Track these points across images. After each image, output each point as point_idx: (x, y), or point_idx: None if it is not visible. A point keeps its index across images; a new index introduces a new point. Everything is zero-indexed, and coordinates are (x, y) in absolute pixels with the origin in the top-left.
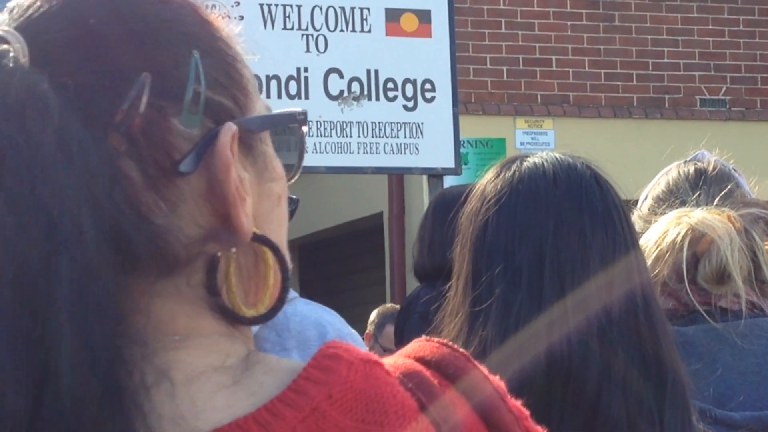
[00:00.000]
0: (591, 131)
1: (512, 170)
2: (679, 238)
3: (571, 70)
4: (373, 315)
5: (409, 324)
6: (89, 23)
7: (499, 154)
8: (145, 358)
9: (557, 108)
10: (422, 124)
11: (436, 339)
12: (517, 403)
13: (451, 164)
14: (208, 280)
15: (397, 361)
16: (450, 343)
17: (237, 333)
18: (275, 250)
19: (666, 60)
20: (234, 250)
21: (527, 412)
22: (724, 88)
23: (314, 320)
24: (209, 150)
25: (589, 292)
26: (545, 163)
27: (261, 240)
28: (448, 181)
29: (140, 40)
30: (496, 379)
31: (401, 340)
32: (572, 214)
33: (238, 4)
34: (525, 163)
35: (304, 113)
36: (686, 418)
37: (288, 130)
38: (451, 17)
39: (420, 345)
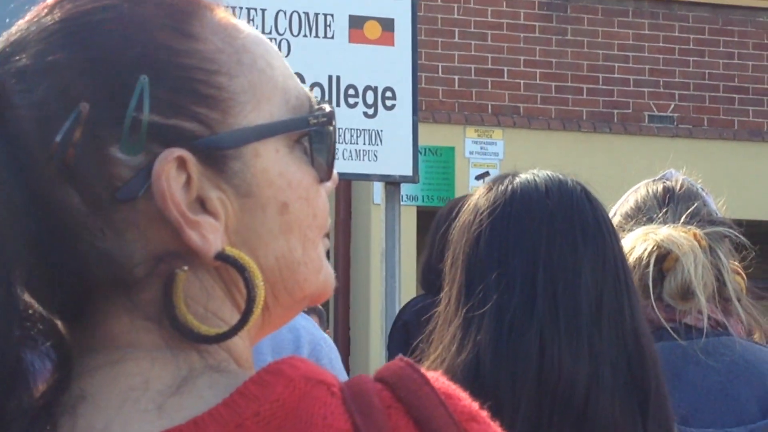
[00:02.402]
0: (540, 143)
1: (505, 184)
2: (646, 254)
3: (522, 81)
4: None
5: (392, 330)
6: (45, 53)
7: (448, 162)
8: (74, 375)
9: (507, 119)
10: (381, 131)
11: (405, 359)
12: (486, 429)
13: (408, 172)
14: (164, 297)
15: (355, 380)
16: (414, 365)
17: (189, 348)
18: (240, 270)
19: (616, 75)
20: (186, 268)
21: None
22: (672, 105)
23: (288, 325)
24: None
25: (580, 301)
26: (537, 179)
27: (224, 259)
28: (405, 190)
29: (85, 69)
30: (462, 402)
31: (390, 347)
32: (564, 225)
33: None
34: (517, 179)
35: (311, 117)
36: (668, 428)
37: (316, 134)
38: (414, 27)
39: (387, 365)
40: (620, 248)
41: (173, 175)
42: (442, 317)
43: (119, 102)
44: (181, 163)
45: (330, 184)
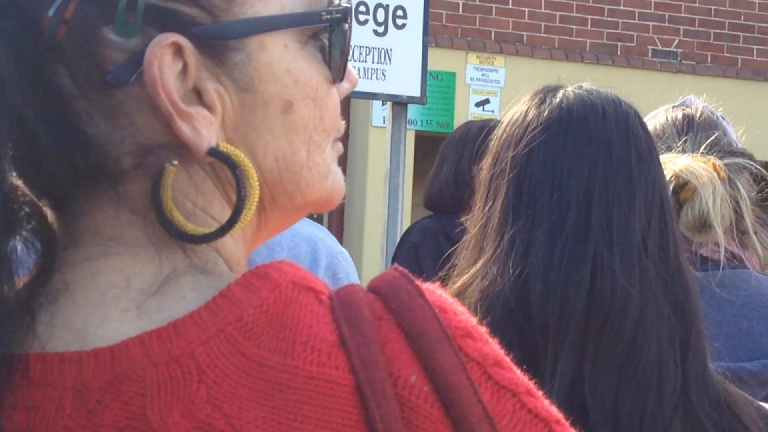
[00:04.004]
0: (542, 72)
1: (558, 99)
2: None
3: (526, 9)
4: None
5: (399, 251)
6: None
7: (448, 87)
8: (57, 265)
9: (510, 46)
10: (391, 50)
11: (400, 269)
12: (482, 347)
13: (417, 93)
14: (152, 189)
15: (346, 290)
16: (408, 276)
17: (175, 246)
18: (232, 167)
19: (621, 7)
20: (176, 162)
21: (496, 357)
22: (676, 41)
23: (306, 236)
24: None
25: (634, 232)
26: (592, 97)
27: (217, 155)
28: (411, 111)
29: None
30: (458, 317)
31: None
32: (621, 149)
33: None
34: (571, 94)
35: (324, 12)
36: (705, 362)
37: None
38: None
39: (382, 274)
40: (665, 177)
41: (167, 61)
42: (479, 232)
43: None
44: (178, 50)
45: (347, 85)
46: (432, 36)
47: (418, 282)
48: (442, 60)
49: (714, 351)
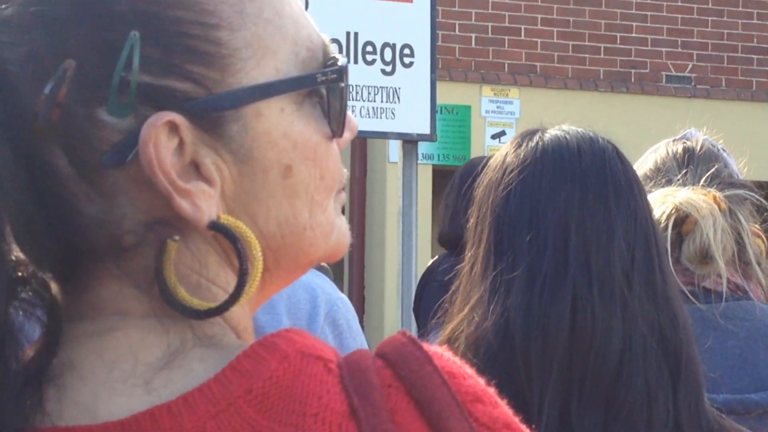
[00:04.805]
0: (557, 102)
1: (534, 141)
2: (664, 217)
3: (539, 40)
4: None
5: (427, 291)
6: (30, 2)
7: (464, 120)
8: (62, 341)
9: (524, 78)
10: (399, 89)
11: (408, 334)
12: (492, 410)
13: (426, 130)
14: (155, 266)
15: (355, 356)
16: (416, 341)
17: (180, 318)
18: (232, 240)
19: (634, 35)
20: (177, 237)
21: (506, 420)
22: (690, 66)
23: (304, 283)
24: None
25: (613, 265)
26: (567, 136)
27: (217, 228)
28: (421, 148)
29: (72, 23)
30: (467, 382)
31: (419, 308)
32: (597, 185)
33: None
34: (547, 135)
35: (319, 74)
36: (699, 395)
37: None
38: None
39: (389, 340)
40: (650, 209)
41: (163, 140)
42: (466, 278)
43: (107, 60)
44: (173, 128)
45: (348, 135)
46: (445, 70)
47: (426, 347)
48: (456, 94)
49: (718, 382)
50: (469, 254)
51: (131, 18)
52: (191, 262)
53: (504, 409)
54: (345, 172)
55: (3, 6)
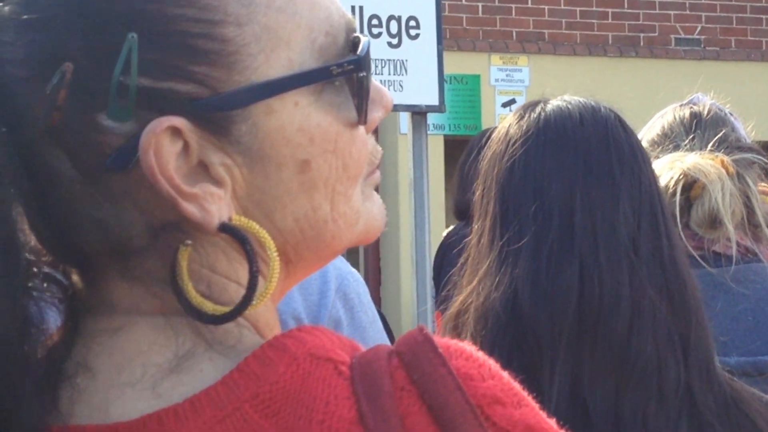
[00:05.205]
0: (566, 69)
1: (537, 112)
2: (672, 183)
3: (546, 7)
4: None
5: (447, 259)
6: (29, 3)
7: (473, 90)
8: (75, 342)
9: (532, 45)
10: (406, 61)
11: (425, 332)
12: (512, 412)
13: (435, 102)
14: (169, 270)
15: (368, 356)
16: (433, 341)
17: (188, 319)
18: (242, 242)
19: None
20: (189, 242)
21: (527, 422)
22: (699, 28)
23: None
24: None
25: (619, 232)
26: (569, 106)
27: (228, 230)
28: (431, 119)
29: (71, 25)
30: (485, 383)
31: (439, 276)
32: (600, 154)
33: None
34: (549, 106)
35: (334, 66)
36: (710, 358)
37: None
38: None
39: (407, 337)
40: (654, 176)
41: (165, 145)
42: (474, 250)
43: (105, 64)
44: (175, 132)
45: (380, 113)
46: (453, 40)
47: (444, 345)
48: (465, 63)
49: (730, 346)
50: (476, 226)
51: (129, 19)
52: (205, 262)
53: (529, 408)
54: (379, 150)
55: (1, 4)
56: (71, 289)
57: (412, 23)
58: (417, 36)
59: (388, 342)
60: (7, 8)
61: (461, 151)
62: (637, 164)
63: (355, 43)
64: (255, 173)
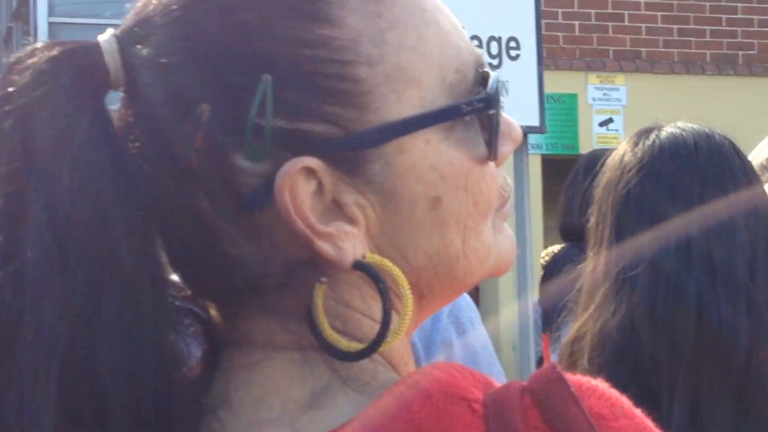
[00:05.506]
0: (663, 87)
1: (651, 139)
2: None
3: (643, 25)
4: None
5: (555, 281)
6: (164, 45)
7: (571, 109)
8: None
9: (629, 63)
10: (507, 82)
11: (557, 370)
12: None
13: (536, 122)
14: (304, 306)
15: (501, 394)
16: (565, 379)
17: (323, 355)
18: (376, 280)
19: (740, 15)
20: (324, 280)
21: None
22: None
23: None
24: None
25: (736, 260)
26: (684, 133)
27: (362, 268)
28: (532, 140)
29: (203, 66)
30: (618, 423)
31: (546, 301)
32: (716, 181)
33: None
34: (663, 133)
35: (464, 105)
36: None
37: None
38: None
39: (539, 374)
40: None
41: (300, 185)
42: (590, 277)
43: (241, 105)
44: (310, 172)
45: (509, 148)
46: (550, 59)
47: (577, 384)
48: (562, 82)
49: None
50: (591, 254)
51: (263, 61)
52: (342, 299)
53: None
54: (509, 184)
55: (141, 46)
56: (210, 323)
57: (513, 44)
58: (517, 57)
59: (499, 365)
60: (145, 51)
61: (559, 170)
62: (752, 191)
63: (485, 78)
64: (388, 211)
